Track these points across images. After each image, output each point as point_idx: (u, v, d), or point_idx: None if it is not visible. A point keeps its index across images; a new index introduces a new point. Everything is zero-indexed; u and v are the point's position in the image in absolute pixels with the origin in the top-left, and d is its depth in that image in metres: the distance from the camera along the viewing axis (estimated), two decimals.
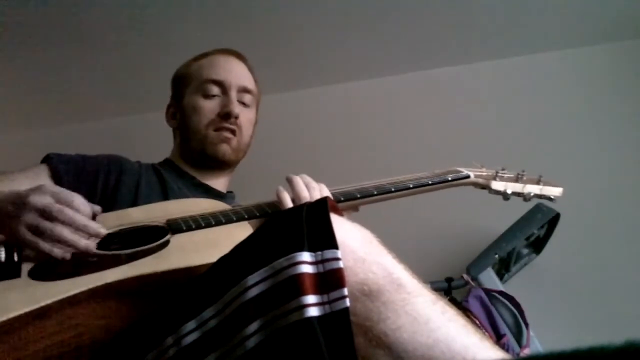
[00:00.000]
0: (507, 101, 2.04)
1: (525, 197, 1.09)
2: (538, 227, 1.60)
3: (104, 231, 0.76)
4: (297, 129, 2.16)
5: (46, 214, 0.73)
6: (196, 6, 1.80)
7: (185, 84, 1.20)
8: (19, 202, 0.74)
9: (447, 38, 1.99)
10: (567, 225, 1.65)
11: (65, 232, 0.72)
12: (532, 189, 1.09)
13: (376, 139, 2.07)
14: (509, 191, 1.08)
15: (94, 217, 0.79)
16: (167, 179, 1.08)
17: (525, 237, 1.60)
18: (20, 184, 0.91)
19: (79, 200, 0.77)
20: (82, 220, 0.74)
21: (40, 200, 0.74)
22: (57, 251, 0.72)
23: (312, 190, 0.94)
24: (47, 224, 0.72)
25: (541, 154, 1.86)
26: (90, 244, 0.74)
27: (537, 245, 1.74)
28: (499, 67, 2.09)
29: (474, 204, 1.81)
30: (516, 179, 1.10)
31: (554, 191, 1.09)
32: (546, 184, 1.10)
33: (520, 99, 2.03)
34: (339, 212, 0.62)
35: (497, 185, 1.09)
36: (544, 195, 1.09)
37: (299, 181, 0.95)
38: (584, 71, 2.02)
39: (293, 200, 0.93)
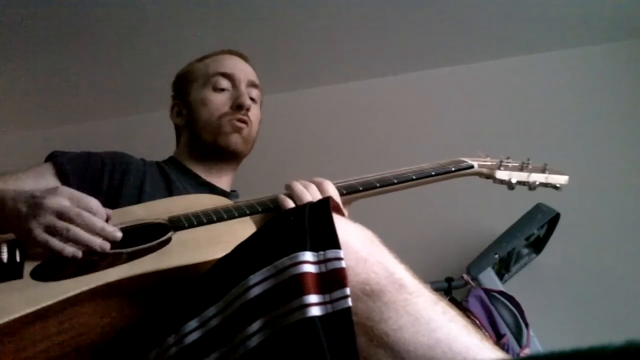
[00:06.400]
0: (507, 101, 2.04)
1: (530, 186, 1.05)
2: (538, 227, 1.59)
3: (120, 234, 0.76)
4: (297, 129, 2.16)
5: (64, 216, 0.73)
6: (196, 6, 1.80)
7: (191, 81, 1.19)
8: (34, 202, 0.74)
9: (447, 38, 1.99)
10: (567, 225, 1.65)
11: (81, 232, 0.73)
12: (538, 177, 1.06)
13: (376, 139, 2.07)
14: (513, 180, 1.05)
15: (107, 220, 0.79)
16: (171, 177, 1.08)
17: (525, 237, 1.60)
18: (23, 183, 0.91)
19: (96, 205, 0.77)
20: (99, 223, 0.75)
21: (58, 202, 0.74)
22: (69, 249, 0.72)
23: (313, 191, 0.92)
24: (63, 224, 0.72)
25: (540, 155, 1.84)
26: (105, 243, 0.74)
27: (537, 245, 1.74)
28: (499, 67, 2.09)
29: (474, 203, 1.82)
30: (521, 168, 1.07)
31: (560, 179, 1.06)
32: (552, 172, 1.07)
33: (520, 99, 2.03)
34: (341, 212, 0.62)
35: (501, 174, 1.06)
36: (549, 183, 1.06)
37: (298, 185, 0.92)
38: (584, 71, 2.02)
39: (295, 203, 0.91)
